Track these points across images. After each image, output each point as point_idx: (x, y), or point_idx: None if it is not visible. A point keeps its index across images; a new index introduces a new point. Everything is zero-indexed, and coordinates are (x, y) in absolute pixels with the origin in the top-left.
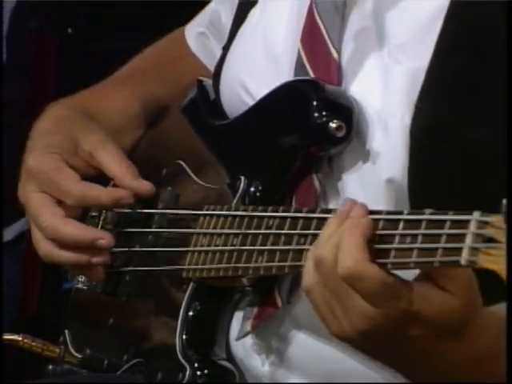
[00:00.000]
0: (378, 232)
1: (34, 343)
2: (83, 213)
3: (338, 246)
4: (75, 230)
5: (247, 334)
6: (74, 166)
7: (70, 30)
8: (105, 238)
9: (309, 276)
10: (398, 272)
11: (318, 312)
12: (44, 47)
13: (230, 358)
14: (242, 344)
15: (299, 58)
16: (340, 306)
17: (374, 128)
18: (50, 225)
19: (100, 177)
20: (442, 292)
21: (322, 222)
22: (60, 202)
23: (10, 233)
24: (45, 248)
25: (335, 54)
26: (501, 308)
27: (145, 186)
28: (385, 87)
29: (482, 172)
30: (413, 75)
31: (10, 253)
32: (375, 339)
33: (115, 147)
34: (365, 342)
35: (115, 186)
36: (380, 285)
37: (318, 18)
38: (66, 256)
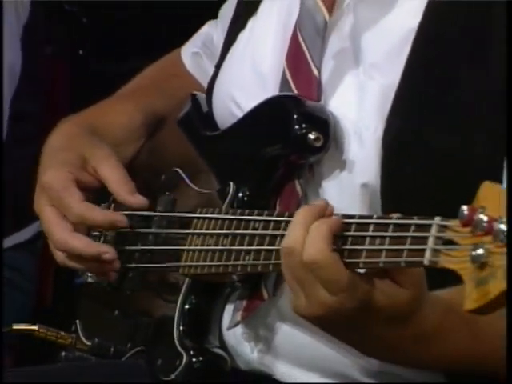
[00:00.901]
0: (351, 234)
1: (48, 332)
2: None
3: (305, 238)
4: (81, 244)
5: (237, 324)
6: (83, 181)
7: (80, 52)
8: (108, 252)
9: (283, 260)
10: None
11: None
12: (57, 67)
13: (223, 345)
14: (233, 333)
15: (284, 75)
16: (303, 292)
17: (350, 138)
18: (60, 238)
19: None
20: (396, 286)
21: None
22: None
23: (28, 232)
24: (59, 256)
25: (316, 72)
26: (443, 292)
27: (139, 201)
28: (360, 102)
29: (448, 179)
30: (385, 91)
31: (28, 250)
32: (332, 323)
33: (116, 163)
34: (323, 325)
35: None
36: (338, 274)
37: (301, 39)
38: (78, 264)
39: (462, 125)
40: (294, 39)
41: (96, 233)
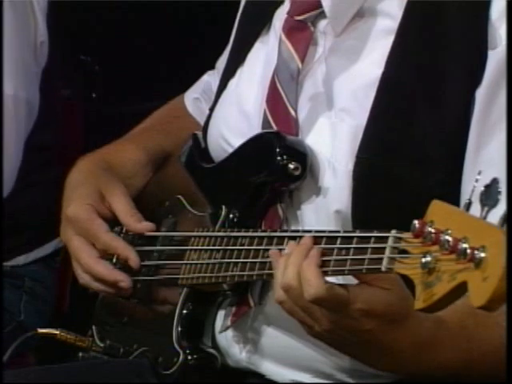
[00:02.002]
0: (321, 247)
1: (68, 336)
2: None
3: (299, 275)
4: (104, 270)
5: (228, 328)
6: (102, 213)
7: (93, 95)
8: (125, 281)
9: (280, 296)
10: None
11: (293, 317)
12: (72, 107)
13: (215, 346)
14: (225, 336)
15: (265, 115)
16: (310, 317)
17: (325, 171)
18: (86, 263)
19: None
20: (381, 289)
21: (281, 240)
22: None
23: (48, 248)
24: (83, 278)
25: (292, 112)
26: None
27: (145, 227)
28: (333, 141)
29: (409, 205)
30: (354, 131)
31: (48, 264)
32: (341, 335)
33: (126, 199)
34: (333, 339)
35: None
36: (337, 301)
37: (278, 84)
38: (98, 287)
39: (421, 158)
40: (272, 84)
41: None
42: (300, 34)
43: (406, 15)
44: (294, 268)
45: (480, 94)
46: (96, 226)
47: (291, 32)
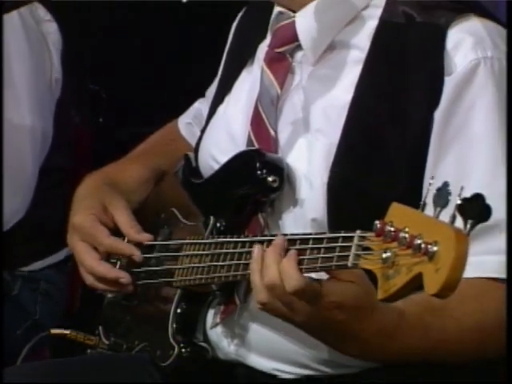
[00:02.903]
0: (297, 247)
1: (78, 335)
2: None
3: (281, 273)
4: (105, 270)
5: (217, 324)
6: (104, 222)
7: (101, 120)
8: (124, 277)
9: (262, 297)
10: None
11: (274, 315)
12: (83, 131)
13: (206, 340)
14: (215, 331)
15: (249, 136)
16: (291, 310)
17: (302, 184)
18: (89, 265)
19: None
20: (350, 284)
21: (261, 244)
22: (96, 248)
23: (60, 255)
24: (88, 279)
25: (273, 133)
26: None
27: (144, 237)
28: (309, 158)
29: (377, 213)
30: (328, 149)
31: (61, 269)
32: (317, 325)
33: (127, 211)
34: (310, 329)
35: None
36: (314, 293)
37: (260, 109)
38: (102, 286)
39: (387, 171)
40: (256, 108)
41: (113, 260)
42: (279, 64)
43: (372, 47)
44: (274, 266)
45: (437, 115)
46: (99, 231)
47: (272, 62)
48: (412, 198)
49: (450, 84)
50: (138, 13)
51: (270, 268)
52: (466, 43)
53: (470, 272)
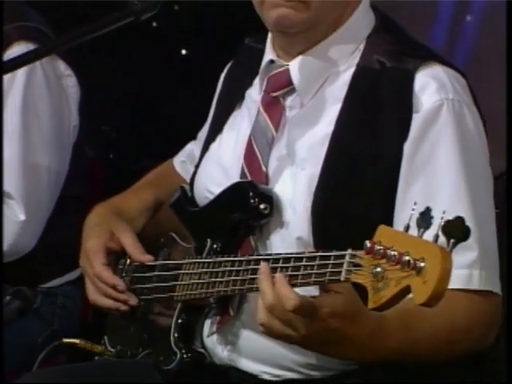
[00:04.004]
0: (291, 265)
1: (86, 344)
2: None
3: (278, 295)
4: (108, 278)
5: (213, 333)
6: (111, 247)
7: (111, 156)
8: (120, 285)
9: (265, 318)
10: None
11: (275, 335)
12: (95, 165)
13: (204, 347)
14: (211, 339)
15: (242, 168)
16: (290, 327)
17: (287, 208)
18: (98, 273)
19: None
20: (338, 294)
21: (257, 262)
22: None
23: (76, 273)
24: (92, 296)
25: (264, 168)
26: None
27: (147, 258)
28: (294, 186)
29: (355, 230)
30: (311, 177)
31: (77, 285)
32: (316, 337)
33: (131, 235)
34: (310, 343)
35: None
36: (310, 307)
37: (255, 146)
38: (106, 302)
39: (363, 195)
40: (249, 145)
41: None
42: (274, 107)
43: (350, 88)
44: (269, 290)
45: (407, 146)
46: (96, 258)
47: (268, 106)
48: (384, 218)
49: (417, 120)
50: (145, 66)
51: (266, 293)
52: (431, 86)
53: None
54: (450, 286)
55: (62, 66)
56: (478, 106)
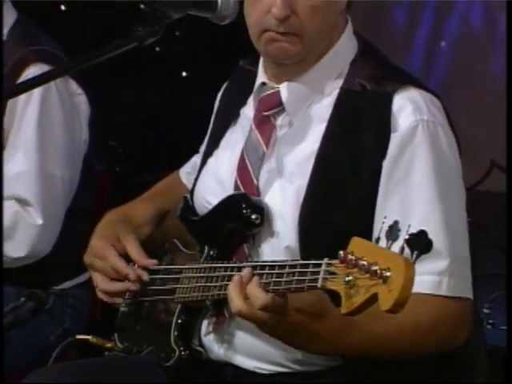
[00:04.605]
0: (275, 272)
1: (97, 340)
2: None
3: (249, 296)
4: (121, 267)
5: (210, 332)
6: (117, 249)
7: (117, 169)
8: (131, 274)
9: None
10: None
11: (264, 327)
12: (104, 177)
13: (201, 344)
14: (208, 338)
15: (236, 182)
16: (261, 321)
17: (277, 219)
18: (97, 282)
19: None
20: (306, 293)
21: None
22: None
23: (86, 275)
24: (102, 285)
25: (255, 181)
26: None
27: (150, 262)
28: (283, 198)
29: (338, 239)
30: (298, 189)
31: (86, 287)
32: (284, 330)
33: (135, 242)
34: (278, 333)
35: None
36: (278, 304)
37: (247, 161)
38: (116, 285)
39: (345, 207)
40: (242, 159)
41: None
42: (265, 125)
43: (335, 108)
44: (236, 297)
45: (385, 163)
46: (109, 251)
47: (259, 124)
48: (365, 229)
49: (395, 139)
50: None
51: (234, 301)
52: (408, 108)
53: (414, 288)
54: (421, 291)
55: (74, 86)
56: (452, 125)
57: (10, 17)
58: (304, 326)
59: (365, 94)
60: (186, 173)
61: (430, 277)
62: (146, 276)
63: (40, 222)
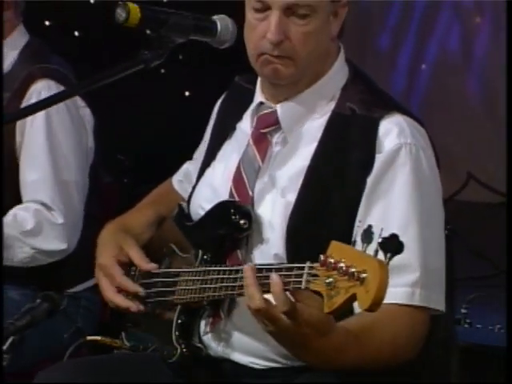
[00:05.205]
0: (263, 274)
1: (106, 340)
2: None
3: (275, 297)
4: (120, 301)
5: (208, 333)
6: (121, 260)
7: (125, 180)
8: (133, 307)
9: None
10: None
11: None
12: (111, 188)
13: (201, 342)
14: (207, 337)
15: (231, 190)
16: (271, 322)
17: (267, 227)
18: (108, 295)
19: None
20: (311, 308)
21: (237, 272)
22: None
23: (94, 280)
24: (109, 302)
25: (250, 193)
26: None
27: (151, 267)
28: (273, 209)
29: (323, 248)
30: (288, 203)
31: (96, 290)
32: (288, 337)
33: (137, 248)
34: (281, 338)
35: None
36: (295, 312)
37: (243, 173)
38: (119, 299)
39: (330, 219)
40: (238, 171)
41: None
42: (262, 142)
43: (325, 129)
44: (258, 295)
45: (369, 180)
46: (116, 272)
47: (257, 140)
48: (347, 238)
49: (379, 159)
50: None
51: (254, 299)
52: (393, 132)
53: (388, 298)
54: (395, 302)
55: (79, 100)
56: (434, 148)
57: (22, 39)
58: (307, 339)
59: (354, 118)
60: (177, 181)
61: (404, 288)
62: (143, 292)
63: (61, 221)
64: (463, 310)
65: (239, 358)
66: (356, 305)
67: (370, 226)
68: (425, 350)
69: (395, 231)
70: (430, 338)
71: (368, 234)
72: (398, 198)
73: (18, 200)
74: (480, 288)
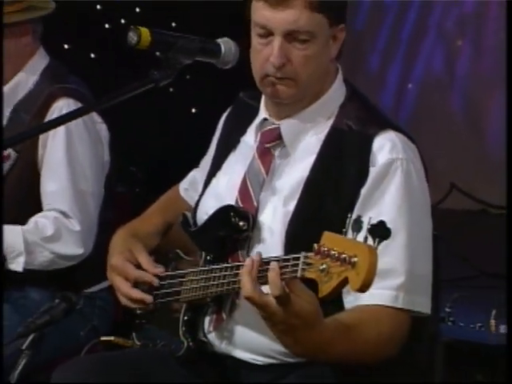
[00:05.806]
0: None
1: (119, 340)
2: None
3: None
4: (135, 293)
5: (210, 332)
6: (131, 261)
7: (137, 190)
8: (147, 298)
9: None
10: None
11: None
12: (124, 197)
13: (206, 338)
14: (210, 335)
15: (237, 200)
16: (265, 309)
17: (266, 232)
18: (124, 291)
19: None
20: (303, 301)
21: (236, 269)
22: (127, 279)
23: (107, 282)
24: (122, 301)
25: (255, 203)
26: (331, 319)
27: (159, 270)
28: (274, 217)
29: None
30: (287, 210)
31: (109, 291)
32: (277, 324)
33: (145, 253)
34: (271, 325)
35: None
36: (262, 302)
37: (249, 185)
38: (132, 305)
39: (325, 226)
40: (244, 182)
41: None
42: (266, 156)
43: (324, 143)
44: (249, 281)
45: (363, 191)
46: (129, 267)
47: (261, 154)
48: None
49: (373, 172)
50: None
51: (245, 286)
52: (386, 147)
53: (374, 300)
54: (380, 303)
55: (96, 116)
56: (423, 160)
57: (43, 61)
58: (295, 329)
59: (350, 134)
60: (184, 189)
61: (389, 291)
62: (156, 282)
63: (78, 228)
64: (447, 309)
65: (240, 354)
66: (346, 297)
67: (359, 216)
68: (412, 345)
69: None
70: (417, 334)
71: (357, 223)
72: (388, 208)
73: (39, 208)
74: (463, 288)
